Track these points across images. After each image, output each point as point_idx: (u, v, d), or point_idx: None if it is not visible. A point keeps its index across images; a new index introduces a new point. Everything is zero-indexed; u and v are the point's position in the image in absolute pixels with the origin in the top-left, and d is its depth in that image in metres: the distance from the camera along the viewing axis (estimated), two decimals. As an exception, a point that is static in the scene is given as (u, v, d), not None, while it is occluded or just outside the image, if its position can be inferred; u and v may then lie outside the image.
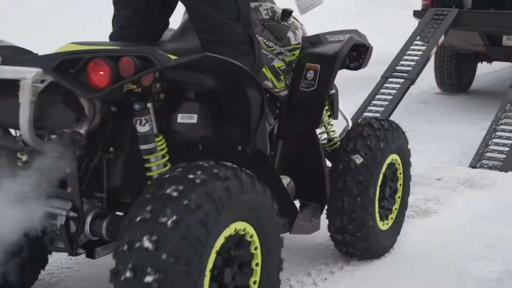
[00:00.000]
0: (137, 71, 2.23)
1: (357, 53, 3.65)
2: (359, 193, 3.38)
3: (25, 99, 2.27)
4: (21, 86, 2.26)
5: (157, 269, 2.12)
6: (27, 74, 2.26)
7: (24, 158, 2.56)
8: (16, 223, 2.46)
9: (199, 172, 2.31)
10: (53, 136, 2.43)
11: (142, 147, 2.58)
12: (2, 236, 2.46)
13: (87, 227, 2.58)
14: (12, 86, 2.30)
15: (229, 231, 2.36)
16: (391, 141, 3.56)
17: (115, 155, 2.64)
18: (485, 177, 4.95)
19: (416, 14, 7.78)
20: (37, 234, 2.61)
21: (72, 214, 2.55)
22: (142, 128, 2.55)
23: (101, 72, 2.24)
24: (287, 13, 3.37)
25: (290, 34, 3.39)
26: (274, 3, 3.38)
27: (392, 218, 3.72)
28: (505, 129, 5.74)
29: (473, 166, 5.38)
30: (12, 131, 2.54)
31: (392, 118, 5.15)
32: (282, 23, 3.36)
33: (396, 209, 3.75)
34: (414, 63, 6.89)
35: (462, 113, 7.51)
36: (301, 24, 3.54)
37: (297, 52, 3.42)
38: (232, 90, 2.73)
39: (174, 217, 2.16)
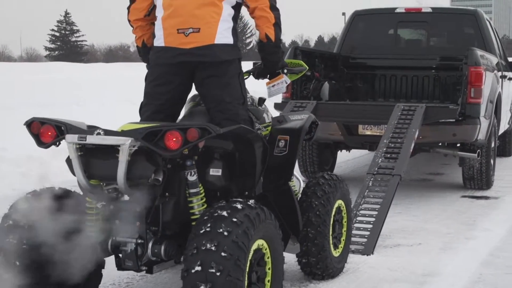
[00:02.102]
0: (200, 137, 3.36)
1: (309, 128, 4.63)
2: (318, 225, 4.51)
3: (123, 158, 3.34)
4: (121, 149, 3.33)
5: (218, 263, 3.21)
6: (125, 141, 3.33)
7: (99, 205, 3.60)
8: (97, 250, 3.59)
9: (238, 203, 3.47)
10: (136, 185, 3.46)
11: (191, 191, 3.71)
12: (86, 257, 3.55)
13: (149, 251, 3.59)
14: (111, 150, 3.37)
15: (256, 244, 3.50)
16: (338, 189, 4.75)
17: (169, 198, 3.68)
18: (348, 261, 5.11)
19: (277, 106, 7.99)
20: (105, 257, 3.73)
21: (139, 241, 3.56)
22: (191, 178, 3.69)
23: (174, 139, 3.36)
24: (262, 100, 4.52)
25: (264, 115, 4.48)
26: (250, 94, 4.43)
27: (341, 247, 4.91)
28: (365, 214, 5.93)
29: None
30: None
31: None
32: (258, 107, 4.46)
33: (343, 240, 4.93)
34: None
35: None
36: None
37: (269, 128, 4.46)
38: (244, 151, 3.94)
39: (227, 229, 3.28)
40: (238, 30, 4.26)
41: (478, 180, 8.18)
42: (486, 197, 7.90)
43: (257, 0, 4.16)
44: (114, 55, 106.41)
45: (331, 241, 4.68)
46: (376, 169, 6.59)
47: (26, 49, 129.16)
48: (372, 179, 6.41)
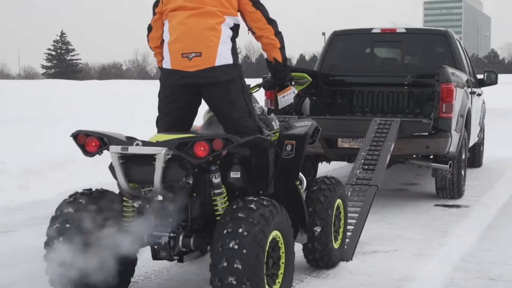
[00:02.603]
0: (224, 146, 3.74)
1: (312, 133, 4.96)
2: (323, 223, 4.90)
3: (159, 165, 3.73)
4: (157, 157, 3.72)
5: (241, 259, 3.62)
6: (161, 151, 3.72)
7: (136, 204, 3.97)
8: (135, 244, 4.00)
9: (254, 203, 3.82)
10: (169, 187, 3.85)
11: (215, 191, 4.08)
12: (127, 251, 3.97)
13: (180, 243, 4.01)
14: (148, 158, 3.76)
15: (271, 236, 3.87)
16: (337, 191, 5.12)
17: (196, 198, 4.05)
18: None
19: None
20: (140, 247, 4.11)
21: (171, 235, 3.98)
22: (216, 180, 4.06)
23: (202, 148, 3.74)
24: (270, 110, 4.87)
25: (273, 123, 4.83)
26: (260, 105, 4.85)
27: (340, 239, 5.28)
28: (349, 222, 5.93)
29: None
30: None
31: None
32: (268, 116, 4.80)
33: (341, 232, 5.32)
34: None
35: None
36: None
37: (277, 134, 4.82)
38: (259, 157, 4.33)
39: (247, 229, 3.67)
40: (237, 48, 4.45)
41: (450, 190, 8.22)
42: (458, 206, 7.92)
43: (262, 29, 4.43)
44: (107, 72, 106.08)
45: (332, 236, 5.08)
46: (355, 180, 6.60)
47: (24, 67, 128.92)
48: (350, 189, 6.42)
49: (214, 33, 4.23)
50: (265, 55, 4.68)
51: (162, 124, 4.44)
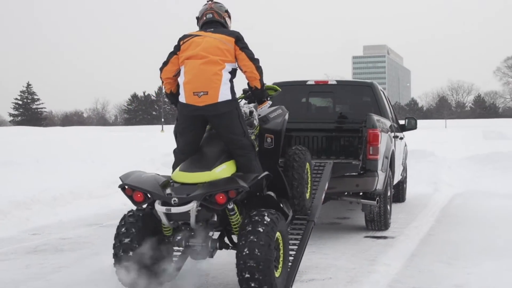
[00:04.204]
0: (237, 195, 4.83)
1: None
2: (299, 177, 6.04)
3: (193, 214, 4.83)
4: (191, 210, 4.80)
5: (259, 248, 4.74)
6: (193, 205, 4.79)
7: (170, 232, 5.23)
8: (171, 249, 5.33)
9: (265, 213, 4.96)
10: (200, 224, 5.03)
11: (231, 213, 5.13)
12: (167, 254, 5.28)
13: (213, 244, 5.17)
14: (185, 215, 4.85)
15: (275, 235, 4.94)
16: (306, 156, 6.28)
17: (220, 225, 5.26)
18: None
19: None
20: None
21: (203, 244, 5.09)
22: (230, 206, 5.07)
23: (221, 197, 4.80)
24: (251, 112, 5.83)
25: (254, 121, 5.84)
26: (244, 108, 5.81)
27: (309, 191, 6.42)
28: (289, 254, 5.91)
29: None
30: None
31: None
32: (250, 118, 5.80)
33: (310, 187, 6.44)
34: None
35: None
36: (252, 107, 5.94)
37: (257, 129, 5.85)
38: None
39: (262, 228, 4.82)
40: (234, 87, 5.45)
41: (377, 223, 8.29)
42: (385, 237, 8.00)
43: (247, 67, 5.46)
44: (69, 120, 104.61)
45: (306, 189, 6.21)
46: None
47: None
48: (290, 224, 6.39)
49: (217, 77, 5.28)
50: (248, 82, 5.68)
51: (180, 142, 5.50)
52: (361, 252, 7.01)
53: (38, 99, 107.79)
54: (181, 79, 5.39)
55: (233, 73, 5.43)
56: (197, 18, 5.78)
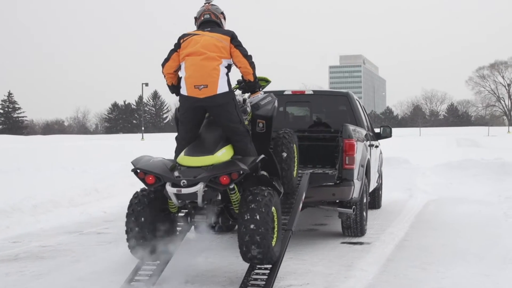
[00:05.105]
0: (239, 176, 5.27)
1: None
2: (288, 151, 6.57)
3: (200, 193, 5.29)
4: (198, 190, 5.27)
5: (259, 214, 5.30)
6: (200, 186, 5.26)
7: (176, 210, 5.84)
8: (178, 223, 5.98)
9: (264, 188, 5.52)
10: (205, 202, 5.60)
11: (231, 193, 5.60)
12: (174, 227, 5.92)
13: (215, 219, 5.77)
14: (193, 195, 5.34)
15: (272, 208, 5.45)
16: (292, 138, 6.73)
17: (222, 203, 5.76)
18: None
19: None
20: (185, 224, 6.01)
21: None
22: (232, 193, 5.62)
23: (225, 179, 5.28)
24: (244, 100, 6.28)
25: (248, 109, 6.28)
26: (239, 97, 6.24)
27: (296, 169, 6.87)
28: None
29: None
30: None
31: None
32: (244, 105, 6.24)
33: (296, 165, 6.89)
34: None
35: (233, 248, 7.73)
36: (244, 96, 6.43)
37: (249, 115, 6.30)
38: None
39: (261, 198, 5.37)
40: (230, 80, 5.90)
41: (354, 229, 8.32)
42: (361, 243, 8.02)
43: (242, 63, 5.94)
44: (50, 128, 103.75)
45: (294, 163, 6.71)
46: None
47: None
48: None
49: (216, 72, 5.74)
50: (241, 76, 6.17)
51: (182, 130, 5.93)
52: (338, 258, 7.02)
53: (19, 108, 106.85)
54: (182, 74, 5.86)
55: (229, 68, 5.90)
56: (195, 18, 6.22)
